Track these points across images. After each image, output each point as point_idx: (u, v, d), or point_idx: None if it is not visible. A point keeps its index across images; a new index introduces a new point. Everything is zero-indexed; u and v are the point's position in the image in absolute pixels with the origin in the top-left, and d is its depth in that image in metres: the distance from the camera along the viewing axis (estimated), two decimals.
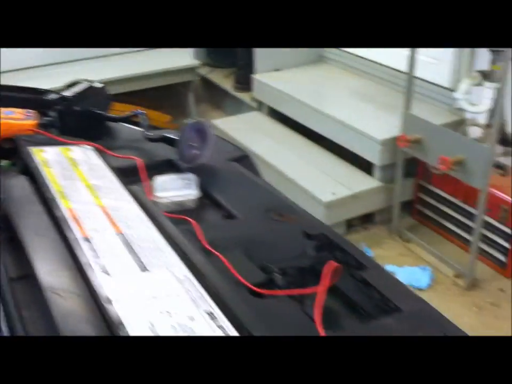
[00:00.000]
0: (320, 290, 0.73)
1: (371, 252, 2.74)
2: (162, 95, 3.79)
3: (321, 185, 2.84)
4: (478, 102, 2.61)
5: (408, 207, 3.01)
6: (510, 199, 2.52)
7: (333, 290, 0.83)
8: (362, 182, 2.87)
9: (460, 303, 2.50)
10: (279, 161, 3.04)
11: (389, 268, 2.62)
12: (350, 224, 2.90)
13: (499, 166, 2.69)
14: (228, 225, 0.94)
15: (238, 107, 3.93)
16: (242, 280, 0.77)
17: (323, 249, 0.89)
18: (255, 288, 0.77)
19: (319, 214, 2.66)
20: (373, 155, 2.85)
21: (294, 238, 0.91)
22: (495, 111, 2.39)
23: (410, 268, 2.64)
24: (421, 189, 2.93)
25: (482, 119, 2.66)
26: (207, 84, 4.30)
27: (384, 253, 2.77)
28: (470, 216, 2.65)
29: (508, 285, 2.60)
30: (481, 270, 2.64)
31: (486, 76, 2.51)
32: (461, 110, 2.78)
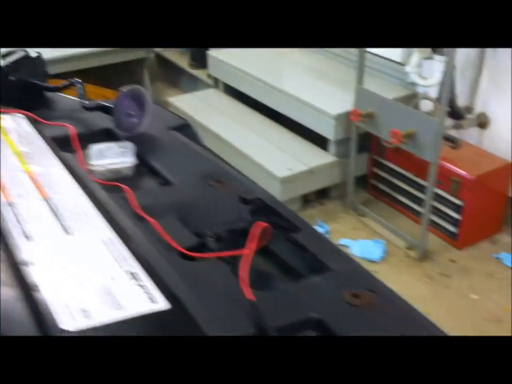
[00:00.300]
0: (247, 251, 0.73)
1: (326, 227, 2.77)
2: (116, 73, 3.72)
3: (277, 161, 2.84)
4: (428, 75, 2.65)
5: (363, 181, 3.04)
6: (461, 171, 2.57)
7: (265, 252, 0.84)
8: (317, 157, 2.89)
9: (412, 274, 2.56)
10: (235, 137, 3.03)
11: (343, 241, 2.66)
12: (306, 200, 2.93)
13: (450, 139, 2.74)
14: (162, 191, 0.93)
15: (194, 84, 3.89)
16: (172, 243, 0.77)
17: (258, 213, 0.90)
18: (184, 251, 0.76)
19: (275, 189, 2.67)
20: (327, 130, 2.86)
21: (230, 203, 0.91)
22: (444, 85, 2.42)
23: (364, 241, 2.68)
24: (375, 163, 2.97)
25: (433, 92, 2.69)
26: (162, 61, 4.24)
27: (339, 227, 2.80)
28: (422, 189, 2.69)
29: (458, 256, 2.67)
30: (433, 242, 2.70)
31: (436, 49, 2.54)
32: (413, 84, 2.81)
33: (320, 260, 0.79)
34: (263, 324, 0.65)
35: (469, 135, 2.80)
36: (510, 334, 2.28)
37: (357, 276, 0.77)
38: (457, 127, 2.75)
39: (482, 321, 2.33)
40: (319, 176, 2.86)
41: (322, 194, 2.98)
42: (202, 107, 3.41)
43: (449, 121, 2.72)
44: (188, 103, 3.44)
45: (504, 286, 2.50)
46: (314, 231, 0.87)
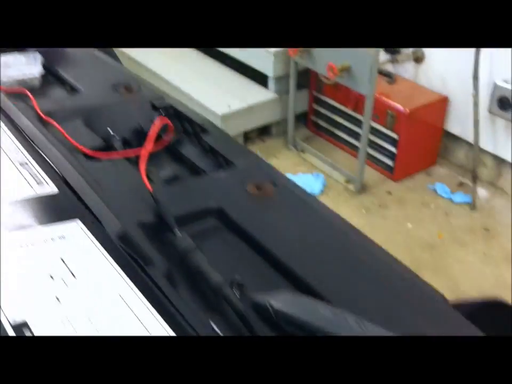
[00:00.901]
0: (147, 146, 0.73)
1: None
2: None
3: (217, 99, 2.82)
4: None
5: (303, 118, 3.06)
6: (396, 105, 2.62)
7: (174, 153, 0.84)
8: (257, 94, 2.88)
9: (350, 206, 2.62)
10: (174, 76, 2.98)
11: None
12: (248, 137, 2.93)
13: (386, 74, 2.77)
14: (69, 98, 0.92)
15: None
16: (74, 143, 0.76)
17: (169, 118, 0.89)
18: (85, 150, 0.76)
19: None
20: (266, 67, 2.85)
21: (140, 109, 0.90)
22: None
23: (304, 175, 2.72)
24: (315, 99, 2.99)
25: None
26: None
27: (279, 163, 2.83)
28: (360, 124, 2.73)
29: (395, 188, 2.74)
30: (370, 175, 2.77)
31: None
32: None
33: (226, 158, 0.81)
34: (163, 213, 0.66)
35: (405, 70, 2.84)
36: (441, 260, 2.39)
37: (260, 170, 0.78)
38: (393, 61, 2.78)
39: (416, 248, 2.43)
40: (259, 113, 2.86)
41: (263, 132, 2.99)
42: None
43: (385, 56, 2.75)
44: None
45: (438, 215, 2.60)
46: (223, 133, 0.88)
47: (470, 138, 2.65)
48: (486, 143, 2.65)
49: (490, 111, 2.58)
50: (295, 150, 2.92)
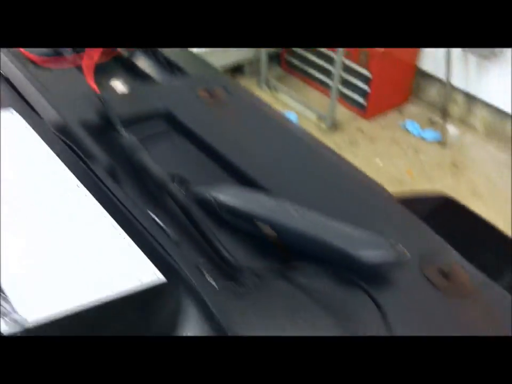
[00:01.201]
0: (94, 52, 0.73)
1: None
2: None
3: None
4: None
5: (276, 58, 3.04)
6: None
7: (125, 63, 0.84)
8: None
9: None
10: None
11: None
12: None
13: None
14: None
15: None
16: (25, 53, 0.75)
17: None
18: (35, 58, 0.75)
19: None
20: None
21: None
22: None
23: None
24: None
25: None
26: None
27: None
28: (332, 62, 2.71)
29: (366, 126, 2.76)
30: (342, 114, 2.78)
31: None
32: None
33: (179, 66, 0.81)
34: (108, 112, 0.66)
35: None
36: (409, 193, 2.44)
37: (212, 77, 0.79)
38: None
39: (385, 183, 2.44)
40: (232, 51, 2.82)
41: (236, 71, 2.96)
42: None
43: None
44: None
45: (408, 152, 2.63)
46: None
47: (443, 75, 2.65)
48: (457, 80, 2.66)
49: (462, 48, 2.58)
50: (268, 89, 2.90)
